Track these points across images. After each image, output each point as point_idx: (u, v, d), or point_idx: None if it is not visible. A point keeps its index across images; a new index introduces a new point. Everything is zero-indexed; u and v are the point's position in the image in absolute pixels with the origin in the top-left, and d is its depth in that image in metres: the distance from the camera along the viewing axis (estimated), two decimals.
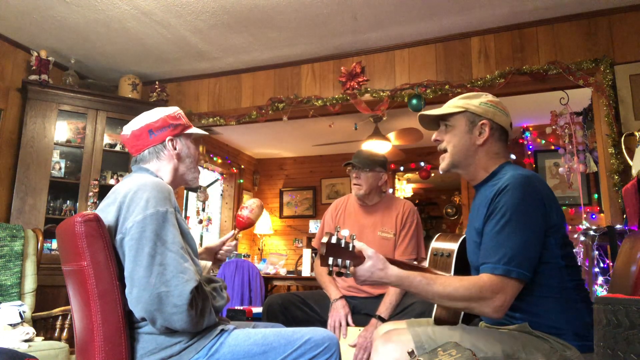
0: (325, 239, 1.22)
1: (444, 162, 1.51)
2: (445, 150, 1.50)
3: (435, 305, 1.52)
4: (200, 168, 1.70)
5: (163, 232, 1.30)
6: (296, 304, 2.39)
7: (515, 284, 1.26)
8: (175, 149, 1.55)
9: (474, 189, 1.53)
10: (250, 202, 1.90)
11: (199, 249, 1.78)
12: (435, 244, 1.59)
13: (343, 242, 1.24)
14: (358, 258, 1.29)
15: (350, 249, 1.25)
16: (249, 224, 1.88)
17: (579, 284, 1.35)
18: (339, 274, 1.27)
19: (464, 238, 1.54)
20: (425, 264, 1.59)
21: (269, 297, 2.42)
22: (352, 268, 1.27)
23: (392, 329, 1.35)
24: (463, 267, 1.50)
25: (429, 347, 1.19)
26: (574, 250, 1.47)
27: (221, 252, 1.83)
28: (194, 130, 1.62)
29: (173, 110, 1.59)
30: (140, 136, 1.53)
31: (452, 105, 1.50)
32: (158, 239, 1.29)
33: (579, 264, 2.19)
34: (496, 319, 1.29)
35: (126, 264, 1.30)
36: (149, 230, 1.28)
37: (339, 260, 1.24)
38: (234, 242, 1.85)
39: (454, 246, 1.52)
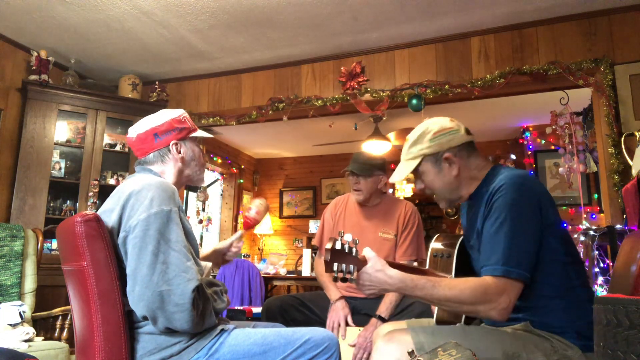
0: (329, 245, 1.22)
1: (441, 203, 1.52)
2: (434, 193, 1.51)
3: (437, 307, 1.51)
4: None
5: (167, 230, 1.31)
6: (295, 306, 2.38)
7: (516, 285, 1.26)
8: (179, 152, 1.56)
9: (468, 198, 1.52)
10: (256, 203, 1.93)
11: (208, 251, 1.79)
12: (434, 244, 1.59)
13: (347, 247, 1.24)
14: (362, 263, 1.28)
15: (354, 254, 1.25)
16: (255, 225, 1.92)
17: (584, 282, 1.35)
18: (344, 280, 1.26)
19: (462, 240, 1.54)
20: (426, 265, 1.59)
21: (267, 300, 2.42)
22: (356, 273, 1.26)
23: (393, 329, 1.35)
24: (463, 268, 1.49)
25: (429, 348, 1.19)
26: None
27: (229, 253, 1.85)
28: (199, 133, 1.62)
29: (179, 113, 1.59)
30: (146, 139, 1.53)
31: (409, 159, 1.48)
32: (162, 238, 1.29)
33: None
34: (500, 321, 1.29)
35: (129, 261, 1.30)
36: (153, 229, 1.29)
37: (344, 266, 1.23)
38: (240, 243, 1.86)
39: (453, 247, 1.52)
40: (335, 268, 1.22)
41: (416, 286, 1.27)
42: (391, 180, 1.52)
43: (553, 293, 1.30)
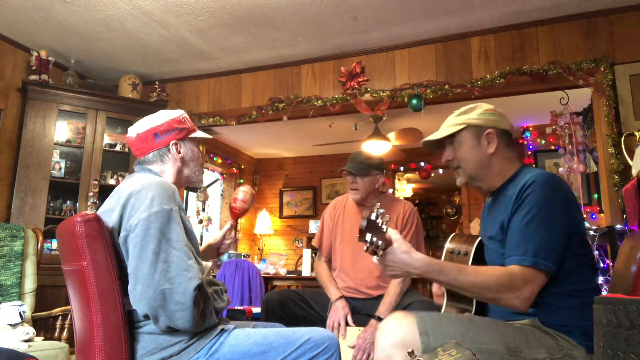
0: (366, 213, 1.21)
1: (460, 177, 1.51)
2: (458, 167, 1.51)
3: (445, 304, 1.51)
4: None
5: (168, 229, 1.31)
6: (295, 301, 2.38)
7: (542, 276, 1.27)
8: (179, 152, 1.57)
9: (490, 195, 1.54)
10: (242, 191, 1.92)
11: (202, 247, 1.79)
12: (450, 244, 1.59)
13: (380, 221, 1.23)
14: (388, 241, 1.28)
15: (384, 230, 1.24)
16: (243, 213, 1.92)
17: (596, 284, 1.37)
18: (374, 253, 1.26)
19: (480, 240, 1.55)
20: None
21: (267, 294, 2.42)
22: (381, 252, 1.26)
23: (398, 311, 1.35)
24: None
25: (432, 334, 1.19)
26: None
27: (223, 245, 1.85)
28: (198, 134, 1.63)
29: (178, 113, 1.60)
30: (145, 139, 1.54)
31: (452, 124, 1.50)
32: (163, 237, 1.30)
33: None
34: (521, 311, 1.29)
35: (130, 260, 1.30)
36: (154, 228, 1.29)
37: (375, 239, 1.22)
38: (233, 234, 1.86)
39: (470, 246, 1.53)
40: (368, 238, 1.21)
41: (442, 271, 1.27)
42: (426, 139, 1.52)
43: (565, 291, 1.31)
